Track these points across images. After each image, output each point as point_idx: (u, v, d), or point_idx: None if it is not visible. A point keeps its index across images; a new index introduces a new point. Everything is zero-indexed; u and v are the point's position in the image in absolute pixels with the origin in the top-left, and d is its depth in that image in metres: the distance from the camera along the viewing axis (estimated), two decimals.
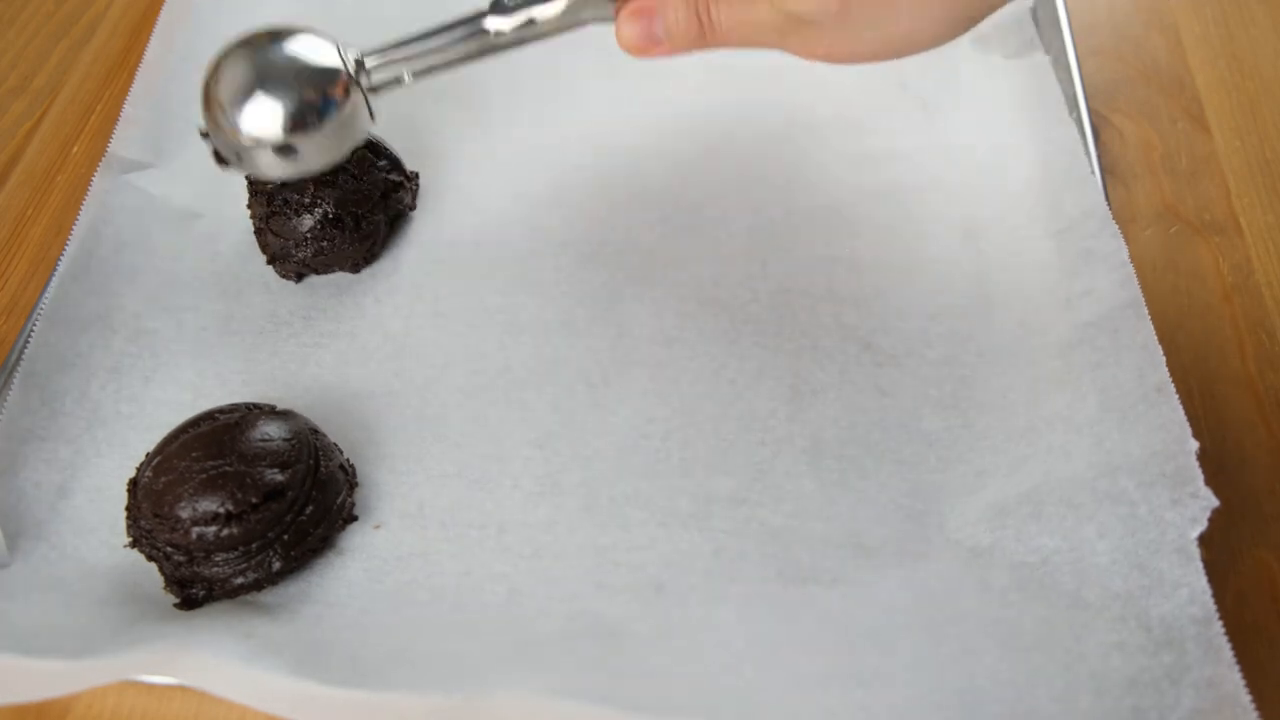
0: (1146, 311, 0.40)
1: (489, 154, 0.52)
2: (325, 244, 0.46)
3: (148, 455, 0.39)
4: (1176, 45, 0.56)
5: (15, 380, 0.42)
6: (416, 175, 0.51)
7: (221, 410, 0.39)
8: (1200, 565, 0.34)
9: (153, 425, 0.42)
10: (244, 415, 0.39)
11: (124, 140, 0.50)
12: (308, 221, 0.46)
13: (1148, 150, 0.52)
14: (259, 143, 0.39)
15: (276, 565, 0.37)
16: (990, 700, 0.33)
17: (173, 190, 0.50)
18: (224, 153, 0.41)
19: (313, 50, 0.40)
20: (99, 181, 0.48)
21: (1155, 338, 0.39)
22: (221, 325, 0.46)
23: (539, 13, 0.39)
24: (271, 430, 0.38)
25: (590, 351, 0.45)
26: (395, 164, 0.49)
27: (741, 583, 0.37)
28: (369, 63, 0.40)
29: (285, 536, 0.37)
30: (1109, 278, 0.42)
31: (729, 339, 0.45)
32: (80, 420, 0.42)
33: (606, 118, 0.54)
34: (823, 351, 0.44)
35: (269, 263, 0.47)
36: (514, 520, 0.40)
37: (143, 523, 0.37)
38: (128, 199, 0.48)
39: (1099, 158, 0.49)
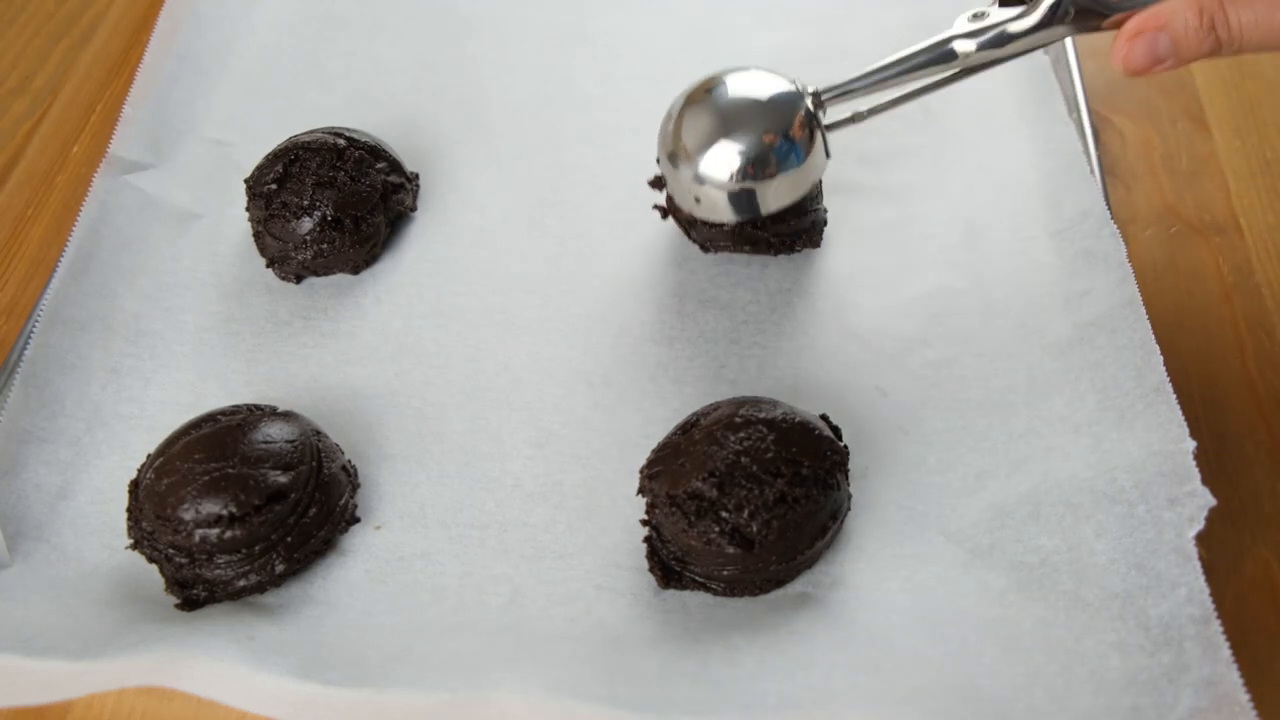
0: (1144, 311, 0.41)
1: (489, 155, 0.52)
2: (325, 246, 0.46)
3: (149, 457, 0.39)
4: None
5: (15, 381, 0.42)
6: (417, 176, 0.51)
7: (224, 412, 0.39)
8: (1198, 564, 0.34)
9: (153, 427, 0.42)
10: (246, 417, 0.39)
11: (124, 140, 0.50)
12: (306, 224, 0.46)
13: (1148, 150, 0.52)
14: (721, 188, 0.40)
15: (279, 567, 0.37)
16: (989, 700, 0.33)
17: (172, 191, 0.50)
18: (679, 199, 0.41)
19: (773, 92, 0.40)
20: (99, 182, 0.48)
21: (1153, 337, 0.40)
22: (222, 326, 0.46)
23: (1013, 27, 0.38)
24: (274, 432, 0.38)
25: (590, 351, 0.45)
26: (395, 166, 0.49)
27: None
28: (825, 99, 0.40)
29: (288, 538, 0.37)
30: (1108, 278, 0.42)
31: (729, 339, 0.45)
32: (80, 421, 0.42)
33: (605, 118, 0.54)
34: (823, 351, 0.44)
35: (268, 265, 0.47)
36: (515, 521, 0.40)
37: (144, 524, 0.37)
38: (128, 199, 0.48)
39: (1099, 158, 0.49)
